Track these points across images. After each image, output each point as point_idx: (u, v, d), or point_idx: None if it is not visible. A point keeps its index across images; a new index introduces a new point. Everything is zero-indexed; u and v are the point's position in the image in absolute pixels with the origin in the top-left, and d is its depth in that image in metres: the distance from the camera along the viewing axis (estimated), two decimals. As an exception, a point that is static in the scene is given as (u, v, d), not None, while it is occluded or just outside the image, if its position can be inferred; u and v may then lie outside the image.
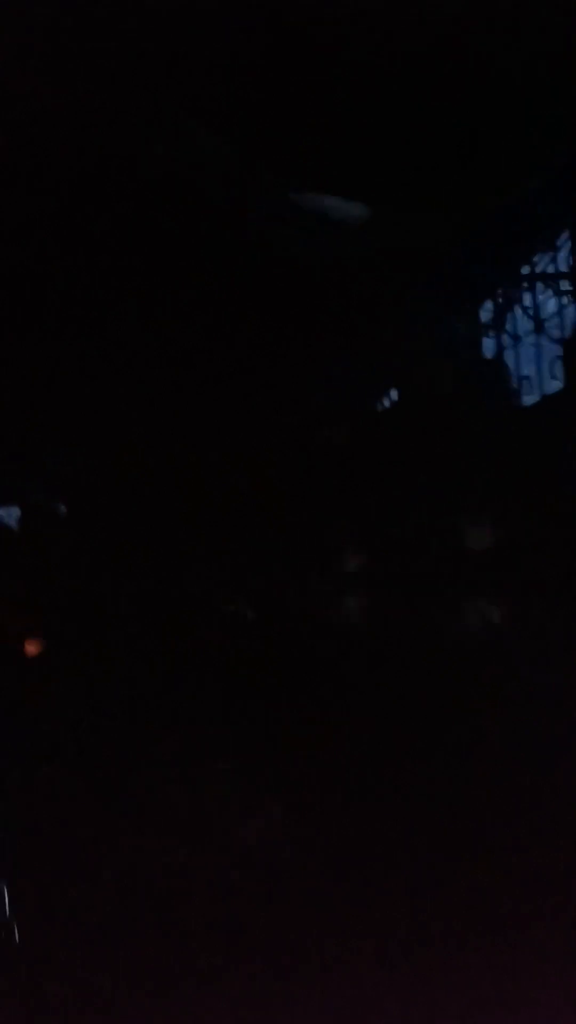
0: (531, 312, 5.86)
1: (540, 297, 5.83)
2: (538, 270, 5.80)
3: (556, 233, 5.61)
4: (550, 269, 5.76)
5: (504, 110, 4.71)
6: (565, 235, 5.61)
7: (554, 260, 5.73)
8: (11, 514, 5.65)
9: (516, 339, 6.00)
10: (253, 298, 5.32)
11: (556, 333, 5.78)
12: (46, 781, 4.65)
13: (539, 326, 5.84)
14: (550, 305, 5.83)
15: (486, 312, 5.99)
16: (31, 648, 5.13)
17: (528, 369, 5.97)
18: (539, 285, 5.80)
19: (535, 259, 5.75)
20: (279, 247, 5.40)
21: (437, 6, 4.13)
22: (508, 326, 5.96)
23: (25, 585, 5.39)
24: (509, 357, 6.07)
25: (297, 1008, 3.78)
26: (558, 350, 5.73)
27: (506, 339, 6.03)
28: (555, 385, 5.76)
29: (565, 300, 5.76)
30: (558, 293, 5.76)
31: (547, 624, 4.85)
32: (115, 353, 5.43)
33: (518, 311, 5.95)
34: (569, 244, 5.63)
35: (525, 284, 5.83)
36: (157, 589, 5.46)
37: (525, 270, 5.81)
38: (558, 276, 5.75)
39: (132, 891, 4.31)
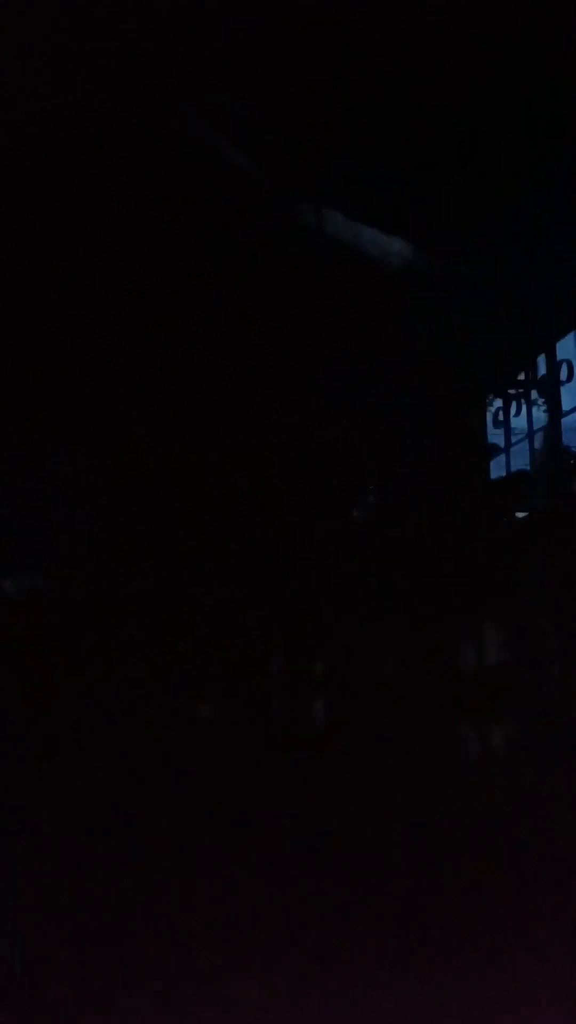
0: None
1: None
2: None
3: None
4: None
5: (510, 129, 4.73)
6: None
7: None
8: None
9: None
10: (260, 300, 5.32)
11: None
12: (47, 781, 4.65)
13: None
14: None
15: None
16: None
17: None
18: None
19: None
20: (282, 249, 5.40)
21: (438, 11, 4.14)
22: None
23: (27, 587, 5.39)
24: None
25: (296, 1009, 3.79)
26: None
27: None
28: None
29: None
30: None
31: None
32: (124, 354, 5.42)
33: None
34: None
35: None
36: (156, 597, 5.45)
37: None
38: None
39: (132, 893, 4.31)
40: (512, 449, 6.16)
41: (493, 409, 6.13)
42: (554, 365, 5.98)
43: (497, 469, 6.12)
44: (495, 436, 6.19)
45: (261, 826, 4.56)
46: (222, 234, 5.28)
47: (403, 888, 4.18)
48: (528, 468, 5.97)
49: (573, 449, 5.83)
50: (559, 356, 5.97)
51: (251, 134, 5.06)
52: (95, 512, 5.57)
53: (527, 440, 6.08)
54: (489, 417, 6.14)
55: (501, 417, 6.15)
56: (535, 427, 6.07)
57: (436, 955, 3.94)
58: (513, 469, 6.04)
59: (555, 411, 5.95)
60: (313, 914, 4.15)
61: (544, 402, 6.01)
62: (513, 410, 6.15)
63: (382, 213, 5.41)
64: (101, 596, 5.38)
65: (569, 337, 5.89)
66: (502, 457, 6.17)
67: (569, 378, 5.93)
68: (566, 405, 5.98)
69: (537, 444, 5.99)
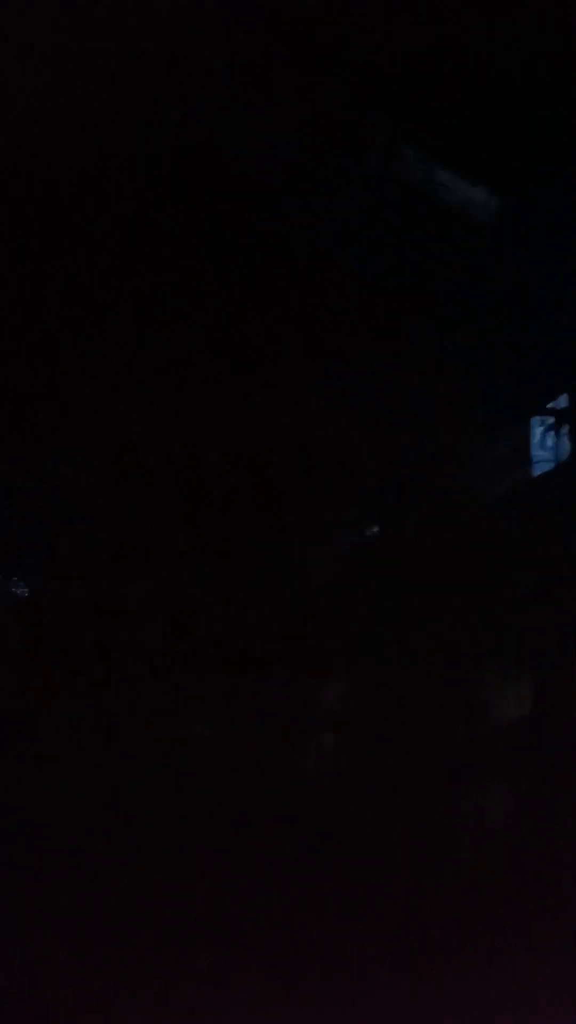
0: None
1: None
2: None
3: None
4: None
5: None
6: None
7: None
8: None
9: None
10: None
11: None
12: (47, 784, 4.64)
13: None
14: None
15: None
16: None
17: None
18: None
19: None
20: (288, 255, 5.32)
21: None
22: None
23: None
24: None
25: (296, 1010, 3.77)
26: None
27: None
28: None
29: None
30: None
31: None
32: (127, 355, 5.37)
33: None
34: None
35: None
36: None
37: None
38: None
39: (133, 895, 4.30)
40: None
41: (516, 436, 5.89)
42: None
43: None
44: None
45: (262, 826, 4.55)
46: (222, 235, 5.24)
47: (403, 890, 4.17)
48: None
49: None
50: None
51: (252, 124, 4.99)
52: (95, 514, 5.54)
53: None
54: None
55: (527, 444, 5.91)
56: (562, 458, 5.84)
57: (436, 956, 3.93)
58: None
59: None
60: (313, 916, 4.15)
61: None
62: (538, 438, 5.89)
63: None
64: (100, 597, 5.36)
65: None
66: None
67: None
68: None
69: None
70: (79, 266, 5.19)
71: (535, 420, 5.91)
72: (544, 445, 5.84)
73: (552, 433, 5.83)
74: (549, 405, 5.88)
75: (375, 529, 6.01)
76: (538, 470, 5.87)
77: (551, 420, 5.84)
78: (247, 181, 5.24)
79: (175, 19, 4.37)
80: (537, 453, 5.87)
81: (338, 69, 4.60)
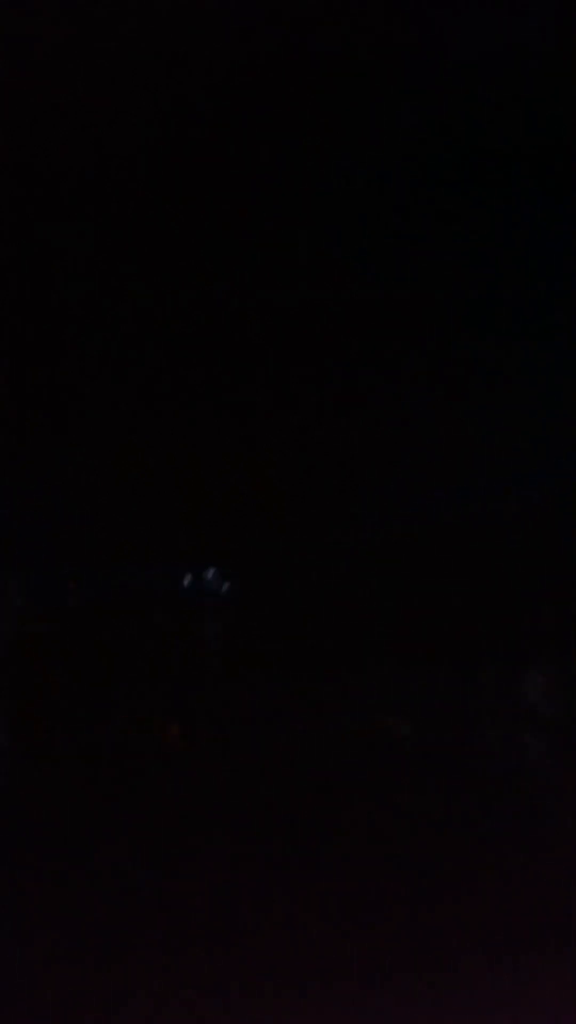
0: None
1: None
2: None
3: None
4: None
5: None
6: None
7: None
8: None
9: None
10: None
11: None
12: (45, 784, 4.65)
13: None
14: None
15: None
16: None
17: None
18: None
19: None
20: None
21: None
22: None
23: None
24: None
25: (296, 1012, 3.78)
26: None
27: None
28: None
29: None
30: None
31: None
32: (131, 356, 5.37)
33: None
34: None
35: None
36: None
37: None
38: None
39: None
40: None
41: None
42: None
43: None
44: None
45: (263, 827, 4.55)
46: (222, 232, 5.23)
47: (404, 893, 4.18)
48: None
49: None
50: None
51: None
52: (96, 515, 5.54)
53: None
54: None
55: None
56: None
57: (437, 962, 3.93)
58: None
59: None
60: (312, 919, 4.15)
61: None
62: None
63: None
64: (101, 600, 5.38)
65: None
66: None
67: None
68: None
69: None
70: (80, 266, 5.19)
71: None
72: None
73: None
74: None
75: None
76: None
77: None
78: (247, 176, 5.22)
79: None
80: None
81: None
